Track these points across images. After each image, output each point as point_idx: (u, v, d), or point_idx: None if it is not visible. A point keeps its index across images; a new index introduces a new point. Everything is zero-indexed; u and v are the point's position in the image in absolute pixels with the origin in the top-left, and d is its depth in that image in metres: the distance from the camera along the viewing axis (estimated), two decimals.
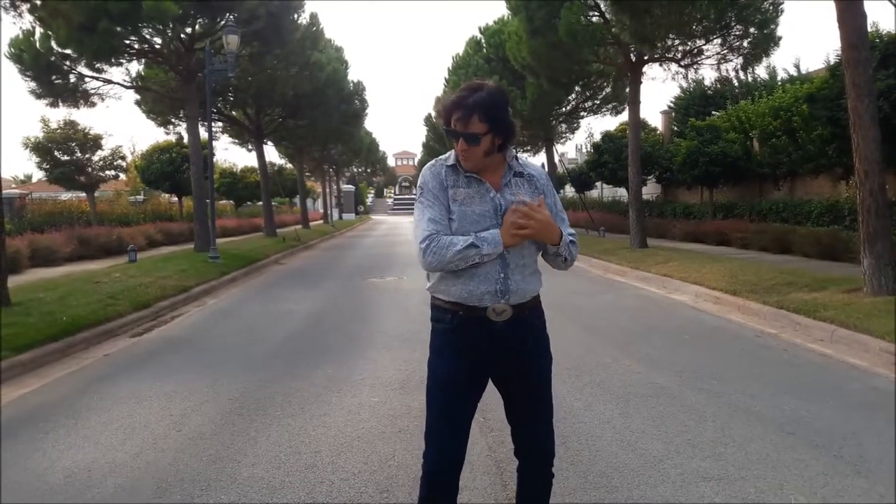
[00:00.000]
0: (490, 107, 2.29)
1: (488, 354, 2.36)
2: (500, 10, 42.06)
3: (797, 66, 28.39)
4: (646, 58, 16.60)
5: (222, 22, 17.25)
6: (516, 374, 2.44)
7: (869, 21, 8.57)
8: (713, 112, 25.44)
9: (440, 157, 2.47)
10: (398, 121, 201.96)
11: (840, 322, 6.95)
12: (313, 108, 26.71)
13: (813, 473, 3.59)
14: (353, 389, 5.42)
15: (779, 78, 27.87)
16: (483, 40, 27.78)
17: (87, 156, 24.82)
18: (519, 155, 2.52)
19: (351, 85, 34.19)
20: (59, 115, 30.08)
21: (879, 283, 8.09)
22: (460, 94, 2.31)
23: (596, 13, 16.62)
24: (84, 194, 26.14)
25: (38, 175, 30.49)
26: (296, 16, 20.75)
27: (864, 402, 4.85)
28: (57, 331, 7.49)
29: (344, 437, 4.32)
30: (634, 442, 4.09)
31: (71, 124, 24.44)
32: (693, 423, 4.41)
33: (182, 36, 17.37)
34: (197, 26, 17.81)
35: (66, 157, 24.30)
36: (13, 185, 45.46)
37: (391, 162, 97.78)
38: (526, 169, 2.47)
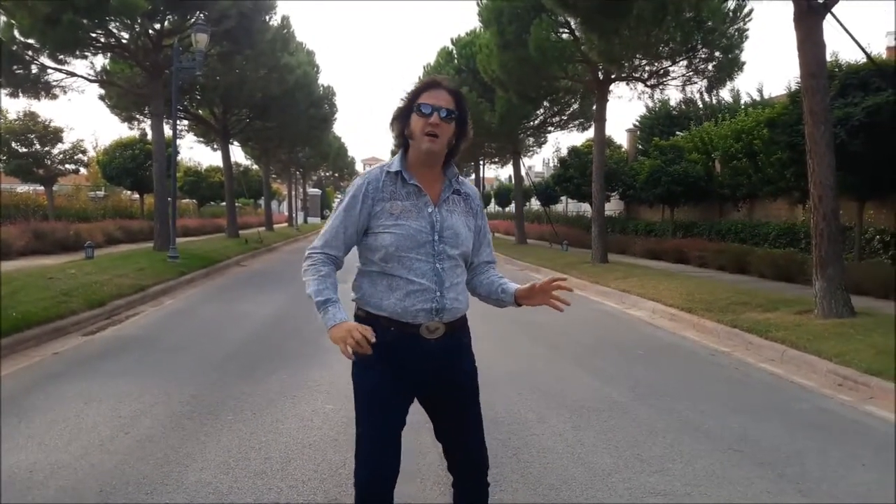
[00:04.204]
0: (463, 99, 2.38)
1: (418, 372, 2.34)
2: (473, 23, 42.40)
3: (760, 91, 29.11)
4: (613, 76, 16.86)
5: (192, 20, 17.05)
6: (446, 390, 2.43)
7: (829, 51, 8.83)
8: (677, 132, 25.89)
9: (381, 164, 2.45)
10: (367, 127, 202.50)
11: (791, 343, 7.11)
12: (282, 110, 26.52)
13: (757, 491, 3.66)
14: (308, 396, 5.38)
15: (742, 102, 28.52)
16: (455, 51, 27.87)
17: (46, 148, 24.25)
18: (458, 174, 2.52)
19: (321, 89, 34.01)
20: (18, 105, 29.39)
21: (830, 306, 8.29)
22: (432, 78, 2.38)
23: (566, 30, 16.83)
24: (42, 187, 25.54)
25: None
26: (267, 17, 20.59)
27: (810, 422, 4.96)
28: (6, 326, 7.29)
29: (295, 444, 4.28)
30: (585, 455, 4.13)
31: (31, 116, 23.88)
32: (643, 437, 4.47)
33: (150, 32, 17.12)
34: (166, 23, 17.56)
35: (24, 150, 23.70)
36: None
37: (359, 167, 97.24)
38: (463, 188, 2.46)
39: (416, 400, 2.46)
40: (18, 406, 5.06)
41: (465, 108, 2.37)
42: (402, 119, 2.36)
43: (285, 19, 23.75)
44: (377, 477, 2.31)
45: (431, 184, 2.37)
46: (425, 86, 2.34)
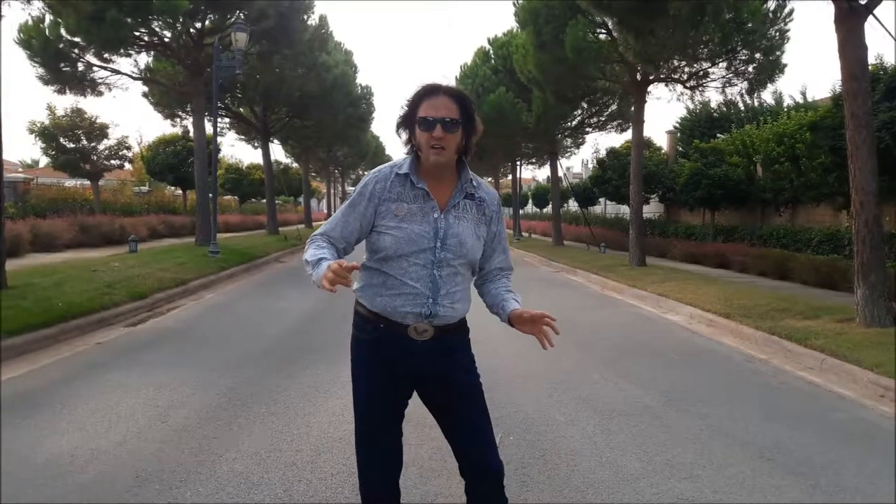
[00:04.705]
0: (465, 98, 2.28)
1: (408, 370, 2.33)
2: (510, 23, 42.30)
3: (803, 94, 28.47)
4: (651, 77, 16.67)
5: (232, 19, 17.36)
6: (438, 391, 2.39)
7: (874, 53, 8.63)
8: (718, 135, 25.49)
9: (394, 162, 2.40)
10: None
11: (830, 351, 6.96)
12: (320, 109, 26.81)
13: (787, 500, 3.60)
14: (340, 391, 5.44)
15: (785, 104, 27.94)
16: (491, 51, 27.83)
17: (92, 144, 24.90)
18: (475, 176, 2.41)
19: (359, 88, 34.30)
20: (66, 102, 30.24)
21: (872, 314, 8.10)
22: (429, 83, 2.29)
23: (603, 31, 16.71)
24: (88, 182, 26.23)
25: (45, 160, 30.61)
26: (305, 17, 20.89)
27: (848, 432, 4.86)
28: (51, 316, 7.53)
29: (326, 437, 4.35)
30: (613, 459, 4.11)
31: (78, 112, 24.54)
32: (673, 443, 4.43)
33: (191, 31, 17.50)
34: (207, 22, 17.91)
35: (71, 145, 24.37)
36: (20, 169, 45.54)
37: None
38: (478, 192, 2.38)
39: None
40: (62, 393, 5.23)
41: (470, 107, 2.28)
42: (406, 126, 2.31)
43: (323, 19, 24.09)
44: (378, 470, 2.38)
45: (442, 188, 2.32)
46: (424, 93, 2.26)
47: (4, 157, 9.54)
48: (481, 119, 2.37)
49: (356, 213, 2.33)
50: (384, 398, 2.36)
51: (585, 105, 24.66)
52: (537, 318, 2.29)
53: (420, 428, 4.17)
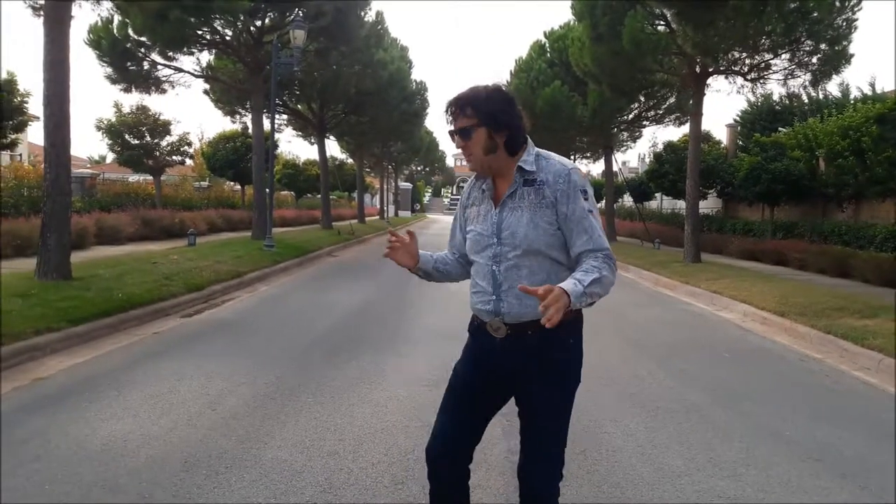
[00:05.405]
0: (481, 100, 2.23)
1: (491, 366, 2.37)
2: (566, 16, 41.85)
3: (872, 86, 27.38)
4: (710, 70, 16.28)
5: (290, 17, 17.68)
6: (520, 395, 2.38)
7: None
8: (780, 128, 24.75)
9: None
10: None
11: (888, 351, 6.72)
12: (375, 105, 27.03)
13: (834, 502, 3.52)
14: (385, 382, 5.53)
15: (852, 96, 26.93)
16: (547, 44, 27.59)
17: (155, 140, 25.64)
18: (544, 154, 2.31)
19: (413, 84, 34.44)
20: (131, 100, 31.17)
21: None
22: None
23: (661, 22, 16.40)
24: (151, 177, 27.04)
25: (111, 156, 31.69)
26: (362, 13, 21.08)
27: None
28: (112, 306, 7.83)
29: (369, 427, 4.43)
30: (655, 456, 4.08)
31: (142, 109, 25.28)
32: (718, 441, 4.37)
33: (251, 29, 17.87)
34: (266, 20, 18.29)
35: (136, 141, 25.14)
36: (88, 165, 47.22)
37: (450, 162, 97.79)
38: (540, 174, 2.25)
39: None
40: (119, 380, 5.45)
41: (485, 104, 2.23)
42: None
43: (379, 15, 24.27)
44: (442, 451, 2.43)
45: (505, 181, 2.33)
46: (446, 108, 2.35)
47: (73, 153, 9.94)
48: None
49: (458, 224, 2.58)
50: (469, 388, 2.43)
51: (642, 98, 24.23)
52: (537, 296, 1.97)
53: None
